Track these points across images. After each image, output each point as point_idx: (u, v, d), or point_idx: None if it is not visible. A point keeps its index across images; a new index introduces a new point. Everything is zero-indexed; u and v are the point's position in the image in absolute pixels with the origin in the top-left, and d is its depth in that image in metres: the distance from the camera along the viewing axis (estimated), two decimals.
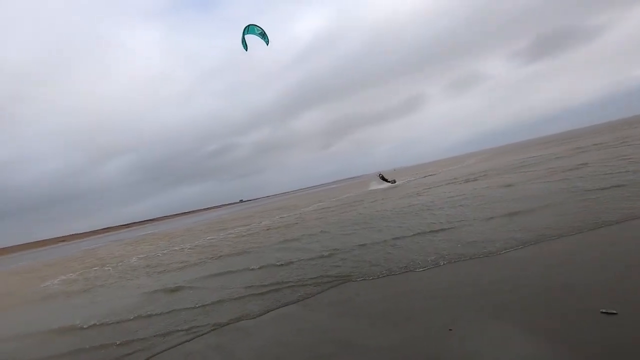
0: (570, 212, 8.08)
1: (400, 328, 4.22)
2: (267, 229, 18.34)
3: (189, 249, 17.25)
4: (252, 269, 9.06)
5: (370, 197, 26.22)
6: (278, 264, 9.00)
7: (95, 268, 17.47)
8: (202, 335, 5.33)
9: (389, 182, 31.80)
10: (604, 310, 3.62)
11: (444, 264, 6.30)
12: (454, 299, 4.72)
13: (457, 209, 11.92)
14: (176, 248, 18.88)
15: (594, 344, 3.17)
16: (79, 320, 7.60)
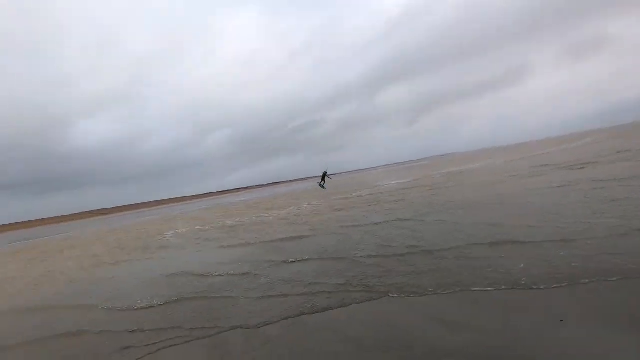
0: None
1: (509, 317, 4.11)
2: (338, 210, 18.79)
3: (267, 222, 18.79)
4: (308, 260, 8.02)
5: (444, 180, 24.78)
6: (336, 256, 7.84)
7: (198, 227, 20.46)
8: (274, 323, 4.92)
9: (322, 183, 28.79)
10: None
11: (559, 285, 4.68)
12: (566, 296, 4.37)
13: (545, 209, 9.34)
14: (257, 218, 20.83)
15: None
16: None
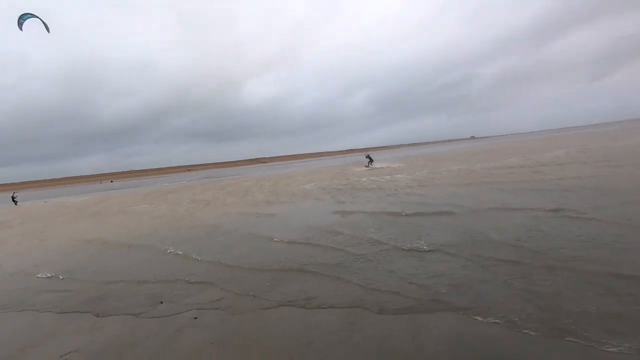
0: None
1: None
2: (475, 183, 16.74)
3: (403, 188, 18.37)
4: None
5: (634, 152, 18.53)
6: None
7: (336, 180, 21.90)
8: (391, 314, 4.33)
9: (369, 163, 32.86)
10: None
11: None
12: None
13: None
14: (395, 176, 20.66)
15: None
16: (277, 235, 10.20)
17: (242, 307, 4.84)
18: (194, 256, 7.59)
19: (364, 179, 21.15)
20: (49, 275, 7.35)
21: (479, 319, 3.87)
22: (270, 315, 4.51)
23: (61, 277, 7.12)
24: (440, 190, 13.39)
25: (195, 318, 4.65)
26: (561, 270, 4.88)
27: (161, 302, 5.27)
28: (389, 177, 21.20)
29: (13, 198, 36.15)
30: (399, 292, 4.74)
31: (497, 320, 3.79)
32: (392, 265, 5.79)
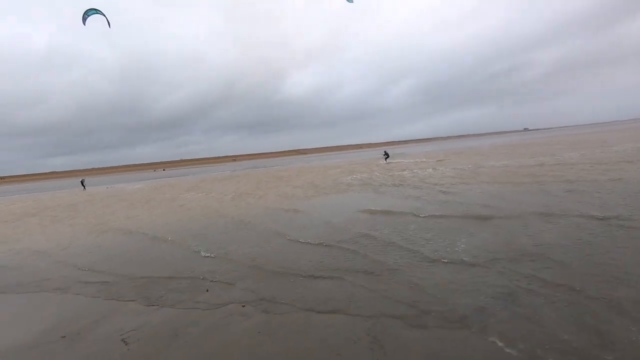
0: None
1: None
2: (532, 181, 15.51)
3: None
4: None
5: None
6: None
7: (376, 174, 21.63)
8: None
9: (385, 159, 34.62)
10: None
11: None
12: None
13: None
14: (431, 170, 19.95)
15: None
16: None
17: (276, 308, 4.85)
18: (229, 255, 7.61)
19: (405, 173, 20.66)
20: (103, 262, 8.16)
21: (501, 344, 3.49)
22: (305, 317, 4.53)
23: (112, 265, 7.82)
24: (482, 188, 12.58)
25: (244, 306, 4.89)
26: (604, 297, 4.18)
27: (207, 290, 5.60)
28: (431, 170, 20.57)
29: (82, 183, 41.28)
30: (421, 307, 4.44)
31: (524, 355, 3.30)
32: (420, 276, 5.39)
